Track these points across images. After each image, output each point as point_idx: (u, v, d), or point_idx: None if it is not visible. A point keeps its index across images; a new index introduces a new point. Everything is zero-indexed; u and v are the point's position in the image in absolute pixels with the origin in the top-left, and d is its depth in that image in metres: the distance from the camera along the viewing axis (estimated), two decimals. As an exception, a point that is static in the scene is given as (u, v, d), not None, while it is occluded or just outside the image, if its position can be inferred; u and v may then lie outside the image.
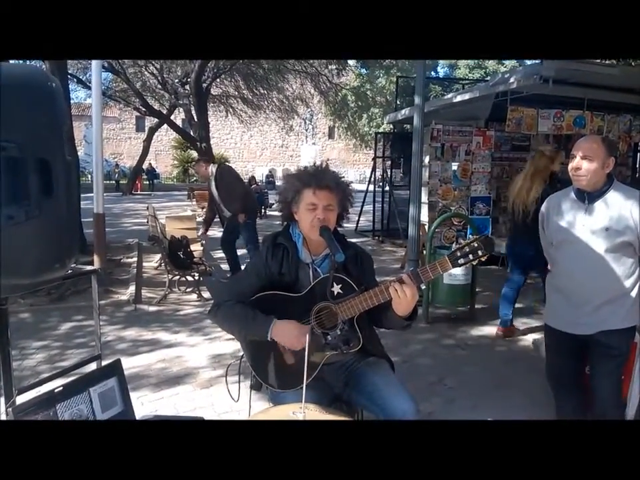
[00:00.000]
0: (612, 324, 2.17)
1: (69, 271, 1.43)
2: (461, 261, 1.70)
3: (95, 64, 1.81)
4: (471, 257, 1.70)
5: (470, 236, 1.76)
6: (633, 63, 6.33)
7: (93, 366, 1.92)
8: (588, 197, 2.19)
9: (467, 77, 23.81)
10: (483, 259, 1.71)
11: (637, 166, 8.43)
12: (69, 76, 10.06)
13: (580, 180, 2.16)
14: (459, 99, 7.26)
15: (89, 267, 1.92)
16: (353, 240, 2.00)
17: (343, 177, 2.03)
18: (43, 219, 1.14)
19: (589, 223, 2.18)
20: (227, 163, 6.29)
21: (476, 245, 1.70)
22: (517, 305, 5.36)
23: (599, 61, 6.06)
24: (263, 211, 14.35)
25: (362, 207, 10.12)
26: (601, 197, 2.17)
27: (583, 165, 2.13)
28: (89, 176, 21.38)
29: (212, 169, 5.89)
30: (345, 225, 2.05)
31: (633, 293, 2.18)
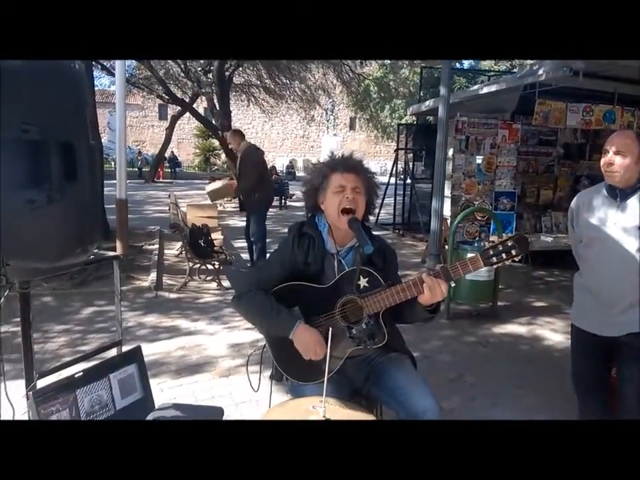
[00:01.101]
0: (641, 326, 2.09)
1: (91, 256, 1.42)
2: (494, 259, 1.65)
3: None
4: (504, 256, 1.64)
5: (499, 233, 1.70)
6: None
7: (113, 351, 1.92)
8: (620, 194, 2.11)
9: (492, 69, 23.38)
10: (516, 259, 1.65)
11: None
12: (93, 62, 10.14)
13: (613, 176, 2.08)
14: (484, 90, 7.11)
15: (111, 253, 1.91)
16: (374, 233, 1.96)
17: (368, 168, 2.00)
18: (65, 203, 1.13)
19: (621, 221, 2.10)
20: (260, 150, 6.18)
21: (510, 244, 1.64)
22: (539, 304, 5.28)
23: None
24: (283, 201, 14.37)
25: (383, 199, 10.02)
26: (634, 194, 2.09)
27: (616, 161, 2.05)
28: (112, 163, 21.64)
29: (243, 144, 5.93)
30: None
31: (664, 294, 2.09)
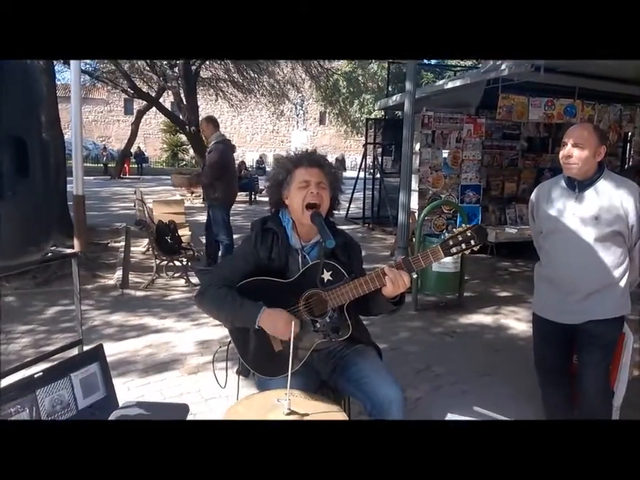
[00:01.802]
0: (600, 313, 2.17)
1: (48, 254, 1.38)
2: (454, 250, 1.69)
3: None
4: (463, 246, 1.68)
5: (462, 225, 1.75)
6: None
7: (75, 351, 1.88)
8: (578, 186, 2.17)
9: (458, 64, 23.71)
10: (475, 249, 1.69)
11: (627, 156, 8.46)
12: (54, 56, 9.83)
13: (571, 168, 2.14)
14: (450, 85, 7.23)
15: (68, 250, 1.86)
16: (343, 227, 1.97)
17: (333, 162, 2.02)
18: (17, 200, 1.09)
19: (579, 212, 2.16)
20: (228, 143, 5.82)
21: (469, 234, 1.68)
22: (503, 294, 5.42)
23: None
24: (252, 196, 14.30)
25: (352, 193, 10.09)
26: (592, 186, 2.16)
27: (574, 153, 2.11)
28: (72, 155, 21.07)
29: (215, 135, 5.66)
30: (335, 212, 2.02)
31: (622, 283, 2.18)
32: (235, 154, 6.11)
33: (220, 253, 5.74)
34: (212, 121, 5.82)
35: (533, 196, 2.42)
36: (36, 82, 1.24)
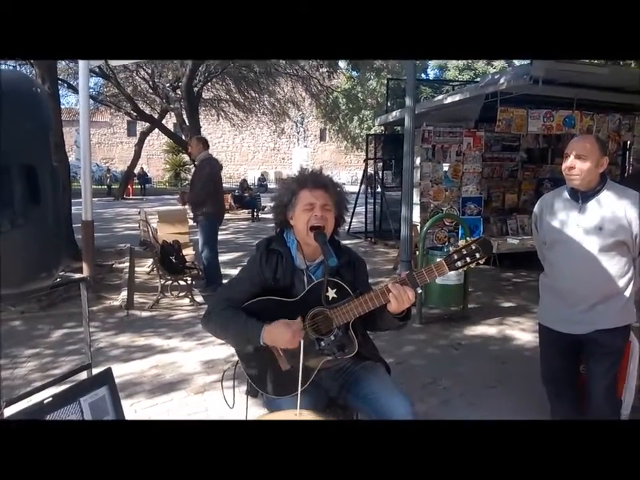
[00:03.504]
0: (606, 323, 2.17)
1: (57, 279, 1.41)
2: (459, 264, 1.68)
3: (82, 66, 1.77)
4: (468, 259, 1.67)
5: (466, 237, 1.75)
6: (621, 63, 6.38)
7: (83, 375, 1.89)
8: (582, 197, 2.19)
9: (456, 79, 23.91)
10: (480, 262, 1.69)
11: (627, 165, 8.49)
12: (59, 81, 9.99)
13: (574, 179, 2.17)
14: (449, 100, 7.29)
15: (77, 275, 1.89)
16: (346, 242, 1.99)
17: (339, 180, 2.03)
18: (29, 227, 1.12)
19: (583, 223, 2.18)
20: (215, 162, 5.78)
21: (473, 247, 1.68)
22: (507, 305, 5.41)
23: (588, 61, 6.11)
24: (255, 214, 14.35)
25: (354, 208, 10.12)
26: (595, 197, 2.18)
27: (577, 165, 2.13)
28: (80, 181, 21.22)
29: (202, 154, 5.67)
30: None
31: (627, 292, 2.18)
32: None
33: (205, 274, 5.71)
34: (202, 141, 5.88)
35: (536, 208, 2.43)
36: (45, 108, 1.26)
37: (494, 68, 24.61)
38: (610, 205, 2.15)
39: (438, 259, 1.76)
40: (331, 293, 1.81)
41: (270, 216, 2.05)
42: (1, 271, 1.11)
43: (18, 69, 9.20)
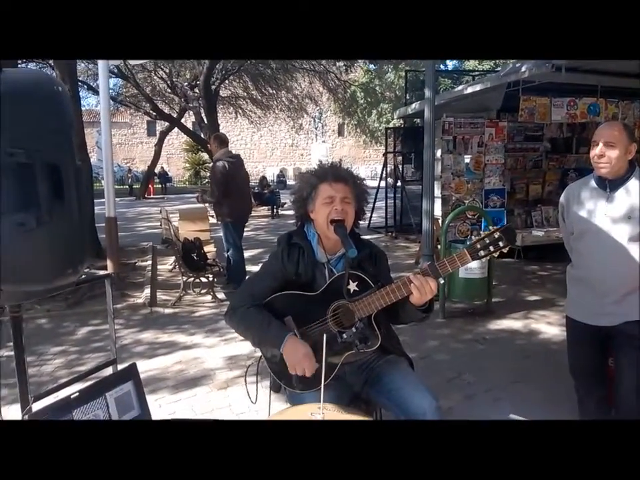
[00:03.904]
0: (636, 314, 2.11)
1: (82, 276, 1.42)
2: (481, 253, 1.65)
3: (101, 67, 1.79)
4: (491, 248, 1.64)
5: (489, 227, 1.70)
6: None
7: (109, 370, 1.92)
8: (610, 185, 2.13)
9: (476, 69, 23.58)
10: (504, 251, 1.65)
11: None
12: (79, 83, 10.15)
13: (603, 167, 2.11)
14: (469, 90, 7.18)
15: (102, 272, 1.92)
16: (366, 237, 1.97)
17: (358, 174, 2.01)
18: (54, 224, 1.13)
19: (611, 212, 2.12)
20: (231, 160, 5.40)
21: (496, 235, 1.64)
22: (533, 298, 5.31)
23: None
24: (275, 210, 14.40)
25: (374, 203, 10.07)
26: (623, 185, 2.12)
27: (607, 153, 2.08)
28: (102, 181, 21.59)
29: (220, 152, 5.46)
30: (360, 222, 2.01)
31: (657, 282, 2.12)
32: (245, 169, 5.78)
33: (229, 273, 5.69)
34: (217, 138, 5.64)
35: (562, 197, 2.38)
36: (67, 107, 1.27)
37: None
38: (639, 193, 2.08)
39: (460, 249, 1.73)
40: (352, 286, 1.79)
41: (290, 212, 2.04)
42: (28, 267, 1.13)
43: (39, 70, 9.37)
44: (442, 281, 1.73)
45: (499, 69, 9.58)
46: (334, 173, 1.86)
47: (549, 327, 4.40)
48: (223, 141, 5.59)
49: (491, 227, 1.69)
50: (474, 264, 4.59)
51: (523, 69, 6.11)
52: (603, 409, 2.35)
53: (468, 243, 4.80)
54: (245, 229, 5.93)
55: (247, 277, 5.40)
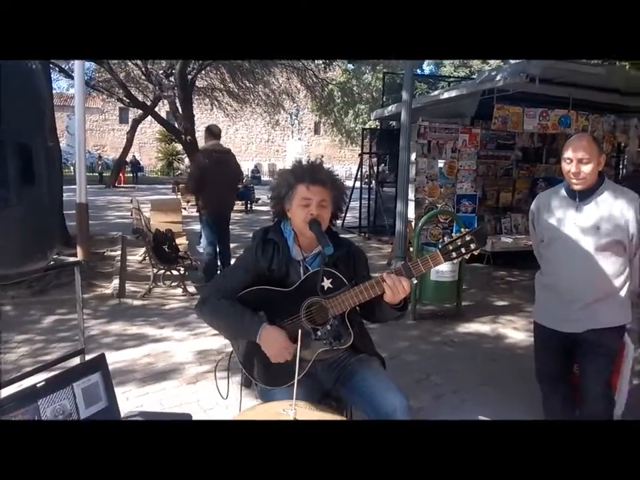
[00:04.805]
0: (601, 322, 2.17)
1: (51, 262, 1.37)
2: (453, 254, 1.68)
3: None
4: (463, 250, 1.67)
5: (461, 230, 1.73)
6: (617, 63, 6.40)
7: (76, 360, 1.86)
8: (579, 195, 2.18)
9: (452, 75, 23.94)
10: (475, 253, 1.68)
11: (621, 166, 8.53)
12: (50, 65, 9.84)
13: (578, 184, 2.15)
14: (445, 95, 7.28)
15: (72, 259, 1.86)
16: (343, 236, 1.97)
17: (337, 174, 1.99)
18: (23, 206, 1.08)
19: (580, 222, 2.17)
20: (213, 153, 5.22)
21: (468, 238, 1.67)
22: (501, 303, 5.43)
23: (584, 60, 6.12)
24: (249, 205, 14.30)
25: (348, 203, 10.11)
26: (592, 195, 2.17)
27: (583, 169, 2.11)
28: (72, 167, 21.00)
29: (208, 144, 5.36)
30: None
31: (623, 292, 2.19)
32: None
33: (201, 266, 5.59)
34: (207, 130, 5.50)
35: (533, 205, 2.43)
36: (41, 85, 1.22)
37: (489, 66, 24.64)
38: (607, 204, 2.14)
39: (433, 251, 1.75)
40: (327, 283, 1.79)
41: (263, 208, 2.02)
42: (-5, 250, 1.08)
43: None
44: (415, 281, 1.75)
45: (474, 76, 9.74)
46: (312, 175, 1.83)
47: (515, 331, 4.50)
48: (212, 133, 5.42)
49: (462, 230, 1.71)
50: (445, 267, 4.68)
51: (498, 77, 6.23)
52: (567, 413, 2.41)
53: (439, 246, 4.88)
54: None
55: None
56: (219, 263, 5.45)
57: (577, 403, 2.38)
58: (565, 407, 2.42)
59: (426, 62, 32.06)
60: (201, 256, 6.16)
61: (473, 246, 1.67)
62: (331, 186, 1.85)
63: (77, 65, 1.83)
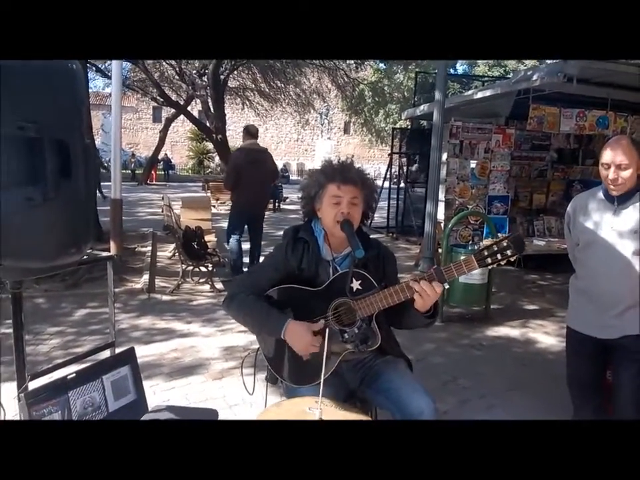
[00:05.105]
0: (637, 328, 2.10)
1: (85, 257, 1.40)
2: (488, 260, 1.61)
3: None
4: (499, 256, 1.61)
5: (492, 236, 1.68)
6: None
7: (106, 353, 1.90)
8: (617, 199, 2.11)
9: (486, 74, 23.55)
10: (511, 260, 1.63)
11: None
12: (87, 64, 10.10)
13: (617, 190, 2.08)
14: (479, 95, 7.15)
15: (105, 253, 1.90)
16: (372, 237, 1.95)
17: (368, 173, 1.98)
18: (60, 201, 1.11)
19: (618, 225, 2.11)
20: (248, 151, 5.42)
21: (505, 244, 1.61)
22: (531, 307, 5.31)
23: (623, 60, 5.93)
24: (276, 204, 14.37)
25: (377, 203, 10.06)
26: (631, 199, 2.10)
27: (621, 175, 2.05)
28: (106, 165, 21.54)
29: (245, 143, 5.56)
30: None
31: (660, 298, 2.11)
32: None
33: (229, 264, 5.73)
34: (244, 129, 5.68)
35: (569, 207, 2.36)
36: (79, 84, 1.25)
37: (525, 65, 24.13)
38: None
39: (463, 257, 1.70)
40: (356, 285, 1.77)
41: (291, 207, 2.02)
42: (32, 244, 1.11)
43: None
44: (447, 286, 1.71)
45: (509, 75, 9.56)
46: (343, 174, 1.82)
47: (546, 336, 4.39)
48: (249, 132, 5.60)
49: (499, 235, 1.67)
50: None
51: (534, 77, 6.09)
52: (600, 418, 2.34)
53: (469, 247, 4.77)
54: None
55: (245, 269, 5.41)
56: (244, 260, 5.58)
57: (608, 415, 2.31)
58: (595, 417, 2.34)
59: (459, 62, 31.66)
60: (227, 253, 6.24)
61: (509, 252, 1.60)
62: (361, 185, 1.84)
63: (114, 65, 1.86)
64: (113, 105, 1.92)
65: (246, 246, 5.69)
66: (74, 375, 1.51)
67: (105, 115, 25.78)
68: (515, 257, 1.62)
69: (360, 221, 1.88)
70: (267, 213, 12.86)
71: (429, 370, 3.55)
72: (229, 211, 5.89)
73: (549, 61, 6.10)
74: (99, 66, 14.93)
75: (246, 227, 5.68)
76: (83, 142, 1.23)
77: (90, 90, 10.96)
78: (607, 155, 2.08)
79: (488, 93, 6.98)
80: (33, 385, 1.51)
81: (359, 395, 1.94)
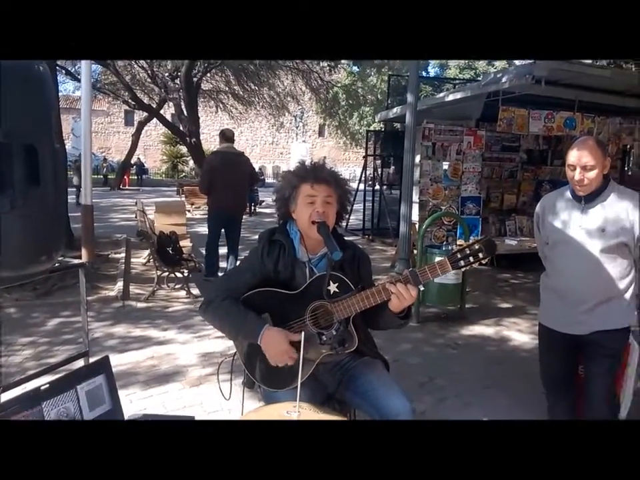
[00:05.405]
0: (607, 324, 2.16)
1: (56, 264, 1.38)
2: (462, 262, 1.65)
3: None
4: (471, 259, 1.65)
5: (465, 237, 1.72)
6: (623, 65, 6.38)
7: (80, 363, 1.86)
8: (584, 198, 2.17)
9: (457, 77, 23.91)
10: (483, 262, 1.67)
11: (626, 168, 8.50)
12: (57, 67, 9.90)
13: (582, 190, 2.14)
14: (450, 98, 7.26)
15: (76, 261, 1.86)
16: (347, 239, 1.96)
17: (341, 174, 1.99)
18: (29, 208, 1.09)
19: (585, 224, 2.16)
20: (222, 155, 5.49)
21: (477, 247, 1.65)
22: (504, 305, 5.41)
23: (590, 62, 6.10)
24: (252, 208, 14.31)
25: (352, 205, 10.09)
26: (598, 198, 2.16)
27: (587, 176, 2.10)
28: (81, 167, 21.09)
29: (220, 147, 5.61)
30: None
31: (628, 294, 2.17)
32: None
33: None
34: (220, 133, 5.72)
35: (538, 207, 2.42)
36: (48, 88, 1.23)
37: (495, 68, 24.59)
38: (612, 206, 2.13)
39: (438, 258, 1.74)
40: (333, 287, 1.78)
41: (267, 210, 2.02)
42: (1, 252, 1.08)
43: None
44: (422, 288, 1.74)
45: (479, 78, 9.73)
46: (315, 174, 1.83)
47: (519, 334, 4.48)
48: (224, 136, 5.62)
49: (471, 238, 1.71)
50: (449, 269, 4.65)
51: (504, 79, 6.22)
52: (571, 415, 2.40)
53: (444, 248, 4.82)
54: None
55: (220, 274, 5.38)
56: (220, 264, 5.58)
57: (580, 412, 2.37)
58: (568, 413, 2.40)
59: (431, 64, 32.09)
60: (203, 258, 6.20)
61: (481, 255, 1.65)
62: (335, 184, 1.85)
63: (83, 67, 1.84)
64: (83, 108, 1.90)
65: (223, 250, 5.66)
66: (47, 385, 1.48)
67: (75, 118, 25.27)
68: (486, 260, 1.66)
69: (335, 222, 1.90)
70: (243, 216, 12.80)
71: (405, 370, 3.59)
72: (205, 216, 5.87)
73: (518, 63, 6.23)
74: (69, 69, 14.62)
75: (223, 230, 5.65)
76: (52, 147, 1.21)
77: (60, 93, 10.71)
78: (573, 156, 2.13)
79: (459, 95, 7.10)
80: (5, 396, 1.48)
81: (337, 397, 1.94)
